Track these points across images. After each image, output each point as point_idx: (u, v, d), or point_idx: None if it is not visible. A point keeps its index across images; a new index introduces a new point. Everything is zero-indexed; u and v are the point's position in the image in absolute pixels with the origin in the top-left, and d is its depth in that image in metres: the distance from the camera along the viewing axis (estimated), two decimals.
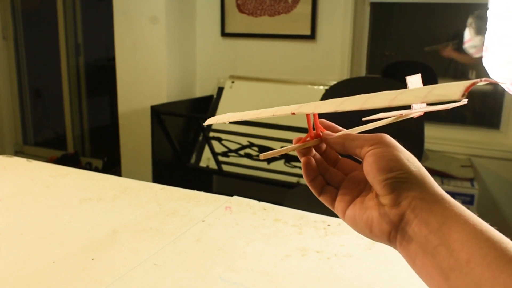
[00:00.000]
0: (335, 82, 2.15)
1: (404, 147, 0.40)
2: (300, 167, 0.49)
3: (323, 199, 0.44)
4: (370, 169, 0.39)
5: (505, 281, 0.30)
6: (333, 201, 0.43)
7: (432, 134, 2.34)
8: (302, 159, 0.44)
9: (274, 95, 2.42)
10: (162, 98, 2.47)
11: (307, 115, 0.43)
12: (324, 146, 0.46)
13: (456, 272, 0.33)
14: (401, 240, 0.37)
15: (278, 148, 0.44)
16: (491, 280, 0.30)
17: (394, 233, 0.38)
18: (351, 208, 0.41)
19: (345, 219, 0.42)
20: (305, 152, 0.44)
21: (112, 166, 3.06)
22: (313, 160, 0.44)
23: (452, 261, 0.33)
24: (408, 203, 0.37)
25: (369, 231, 0.39)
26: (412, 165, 0.38)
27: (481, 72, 2.36)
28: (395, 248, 0.39)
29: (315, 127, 0.45)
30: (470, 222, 0.34)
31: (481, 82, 0.32)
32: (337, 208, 0.43)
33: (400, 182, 0.37)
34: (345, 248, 0.70)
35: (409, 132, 1.58)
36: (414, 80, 0.41)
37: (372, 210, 0.39)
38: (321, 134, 0.45)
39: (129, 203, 0.86)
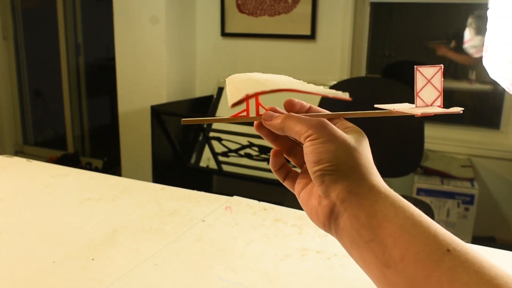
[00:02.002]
0: (335, 82, 2.15)
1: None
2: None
3: (286, 184, 0.45)
4: (306, 161, 0.39)
5: (438, 279, 0.30)
6: (294, 184, 0.44)
7: (432, 134, 2.34)
8: (271, 151, 0.44)
9: (274, 95, 2.41)
10: (162, 98, 2.47)
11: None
12: None
13: (391, 269, 0.32)
14: (336, 231, 0.38)
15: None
16: (425, 278, 0.30)
17: (328, 223, 0.38)
18: (303, 192, 0.42)
19: (299, 201, 0.42)
20: (266, 132, 0.43)
21: (112, 166, 3.05)
22: (281, 152, 0.44)
23: (386, 257, 0.33)
24: (336, 195, 0.36)
25: (311, 217, 0.40)
26: (344, 155, 0.37)
27: (481, 72, 2.36)
28: (334, 237, 0.39)
29: (256, 104, 0.43)
30: (401, 216, 0.34)
31: None
32: (295, 190, 0.43)
33: (327, 174, 0.37)
34: None
35: (409, 132, 1.58)
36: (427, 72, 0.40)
37: (314, 198, 0.40)
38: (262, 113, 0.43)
39: (129, 203, 0.86)
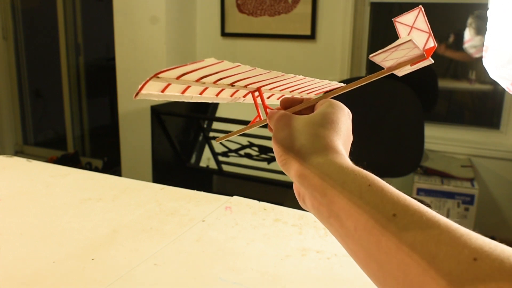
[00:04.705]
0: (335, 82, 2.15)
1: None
2: None
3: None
4: None
5: (386, 244, 0.32)
6: None
7: (432, 134, 2.34)
8: None
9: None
10: None
11: (253, 96, 0.46)
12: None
13: (350, 239, 0.35)
14: (308, 209, 0.41)
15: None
16: (376, 244, 0.33)
17: (303, 203, 0.42)
18: None
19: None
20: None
21: (112, 166, 3.05)
22: None
23: (344, 230, 0.35)
24: (296, 180, 0.40)
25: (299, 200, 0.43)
26: (289, 141, 0.41)
27: (481, 72, 2.36)
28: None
29: (263, 107, 0.47)
30: (348, 189, 0.35)
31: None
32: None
33: (285, 163, 0.41)
34: None
35: (409, 132, 1.58)
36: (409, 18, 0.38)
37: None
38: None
39: (129, 203, 0.86)
